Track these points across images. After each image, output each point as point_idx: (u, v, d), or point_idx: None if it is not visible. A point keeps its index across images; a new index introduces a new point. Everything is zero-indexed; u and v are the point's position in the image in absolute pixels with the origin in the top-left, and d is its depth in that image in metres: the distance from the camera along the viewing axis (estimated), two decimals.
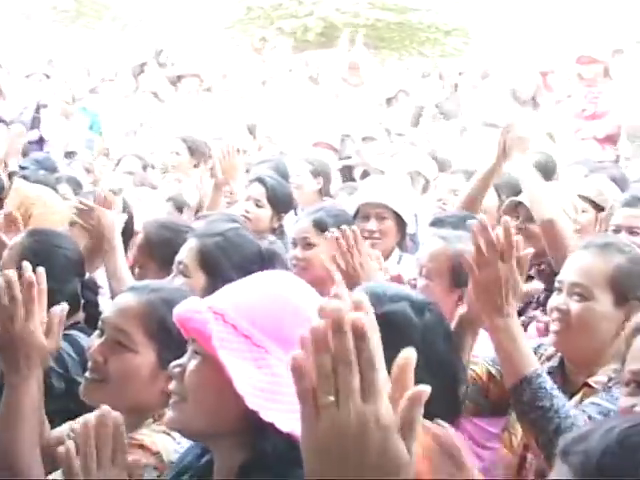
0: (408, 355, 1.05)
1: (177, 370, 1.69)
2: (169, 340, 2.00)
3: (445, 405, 2.11)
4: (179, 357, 1.71)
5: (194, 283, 2.89)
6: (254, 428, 1.58)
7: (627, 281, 2.44)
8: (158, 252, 3.42)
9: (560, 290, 2.52)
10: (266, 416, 1.53)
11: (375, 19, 17.10)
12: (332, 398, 1.00)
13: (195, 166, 6.92)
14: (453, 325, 2.33)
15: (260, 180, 4.69)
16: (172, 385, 1.70)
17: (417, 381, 1.97)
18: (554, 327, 2.50)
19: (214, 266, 2.93)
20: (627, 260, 2.49)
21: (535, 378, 2.15)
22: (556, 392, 2.15)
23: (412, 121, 8.60)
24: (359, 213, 4.23)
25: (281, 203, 4.67)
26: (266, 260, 3.01)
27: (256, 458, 1.61)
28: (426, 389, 1.05)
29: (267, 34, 16.08)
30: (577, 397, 2.40)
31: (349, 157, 5.93)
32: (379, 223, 4.14)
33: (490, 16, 17.24)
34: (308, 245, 3.75)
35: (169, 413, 1.70)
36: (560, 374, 2.53)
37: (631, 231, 3.71)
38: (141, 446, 2.00)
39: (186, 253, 3.01)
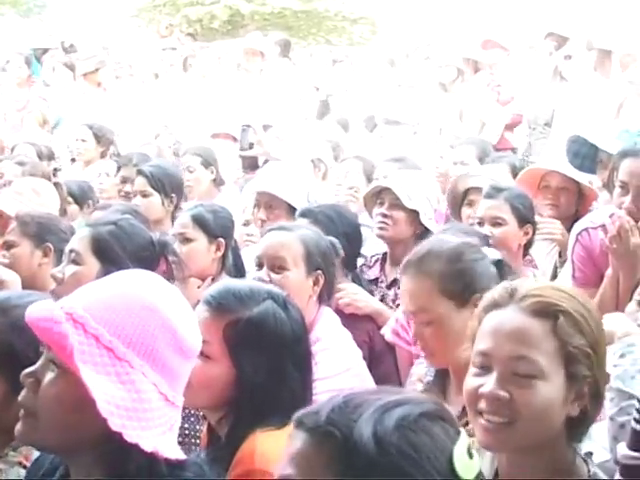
0: None
1: (30, 380, 1.57)
2: (19, 368, 1.69)
3: (305, 398, 2.03)
4: None
5: (86, 270, 2.91)
6: (116, 446, 1.49)
7: (457, 284, 2.36)
8: None
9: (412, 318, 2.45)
10: (129, 437, 1.46)
11: (281, 7, 17.04)
12: None
13: (102, 153, 6.76)
14: None
15: (138, 172, 4.69)
16: (22, 396, 1.58)
17: (283, 378, 1.92)
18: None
19: (107, 252, 2.95)
20: (446, 262, 2.40)
21: None
22: None
23: (318, 112, 8.48)
24: (255, 202, 4.22)
25: (167, 185, 4.61)
26: (158, 249, 3.06)
27: (117, 476, 1.53)
28: None
29: (173, 22, 15.92)
30: None
31: (251, 147, 5.84)
32: (267, 212, 4.11)
33: (396, 4, 17.32)
34: (186, 240, 3.69)
35: (18, 427, 1.58)
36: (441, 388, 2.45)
37: (493, 222, 3.62)
38: None
39: (77, 241, 3.02)
